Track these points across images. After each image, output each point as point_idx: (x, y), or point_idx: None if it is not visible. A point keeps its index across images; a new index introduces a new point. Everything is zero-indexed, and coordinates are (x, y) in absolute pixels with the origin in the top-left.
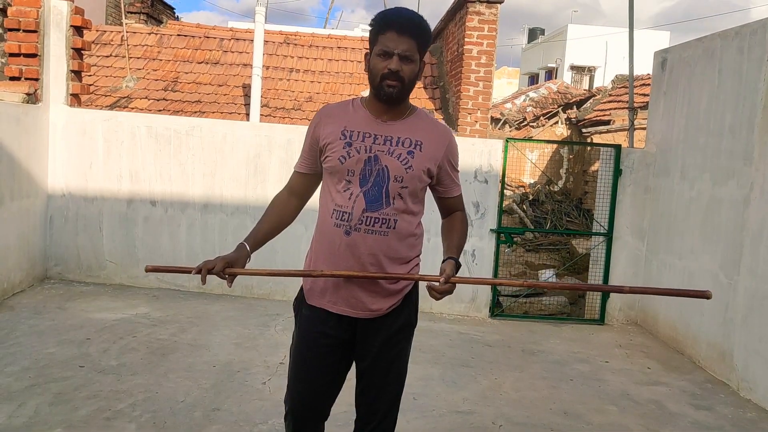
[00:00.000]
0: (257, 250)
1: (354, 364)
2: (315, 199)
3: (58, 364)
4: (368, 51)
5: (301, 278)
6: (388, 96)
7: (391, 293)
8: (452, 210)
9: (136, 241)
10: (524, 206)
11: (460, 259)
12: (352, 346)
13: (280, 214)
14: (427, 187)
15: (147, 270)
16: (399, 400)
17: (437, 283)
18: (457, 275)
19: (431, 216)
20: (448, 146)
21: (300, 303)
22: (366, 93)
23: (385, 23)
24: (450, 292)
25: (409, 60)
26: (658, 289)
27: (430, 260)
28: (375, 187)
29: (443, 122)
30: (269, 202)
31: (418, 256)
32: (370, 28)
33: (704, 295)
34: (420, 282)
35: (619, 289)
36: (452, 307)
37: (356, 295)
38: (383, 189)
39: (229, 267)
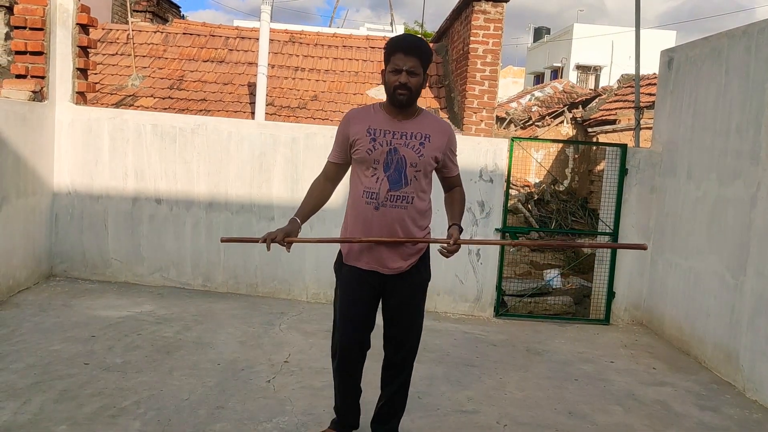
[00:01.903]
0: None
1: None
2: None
3: (63, 362)
4: (383, 69)
5: (339, 246)
6: (400, 102)
7: (410, 254)
8: (453, 186)
9: (141, 240)
10: (529, 206)
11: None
12: (379, 296)
13: (320, 194)
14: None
15: (222, 241)
16: (421, 330)
17: (446, 245)
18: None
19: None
20: (449, 138)
21: (340, 264)
22: (371, 91)
23: (395, 47)
24: (457, 251)
25: (414, 74)
26: (602, 243)
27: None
28: (396, 171)
29: (445, 119)
30: (274, 200)
31: (429, 224)
32: (384, 52)
33: (641, 246)
34: (432, 244)
35: (581, 245)
36: (457, 306)
37: (384, 256)
38: (402, 173)
39: (287, 237)
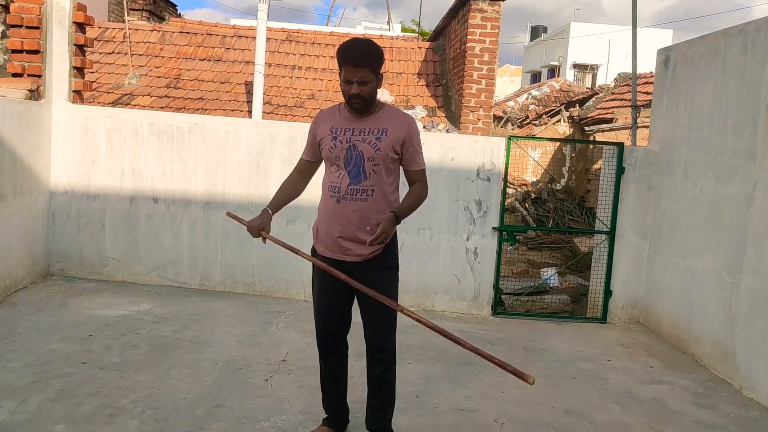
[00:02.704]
0: (262, 242)
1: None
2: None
3: (60, 361)
4: (340, 72)
5: (312, 236)
6: (356, 110)
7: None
8: (413, 181)
9: (139, 239)
10: (527, 204)
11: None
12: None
13: (293, 187)
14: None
15: (228, 215)
16: (394, 324)
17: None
18: (390, 227)
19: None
20: (408, 130)
21: (313, 252)
22: None
23: (343, 59)
24: (379, 238)
25: (365, 83)
26: (483, 354)
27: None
28: (355, 166)
29: (407, 113)
30: (271, 199)
31: None
32: (336, 59)
33: (524, 378)
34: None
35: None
36: (454, 305)
37: (346, 245)
38: (361, 168)
39: (262, 230)
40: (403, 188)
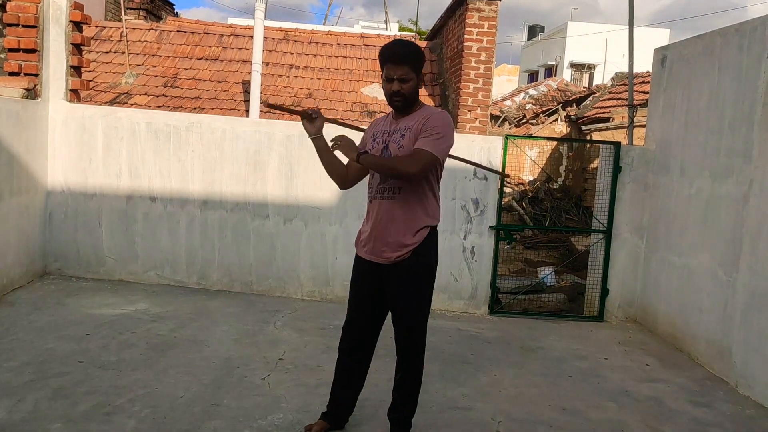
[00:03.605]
0: (261, 240)
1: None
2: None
3: (57, 360)
4: (382, 74)
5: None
6: (396, 108)
7: (399, 247)
8: None
9: (136, 237)
10: (524, 203)
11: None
12: (381, 284)
13: (343, 165)
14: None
15: (267, 105)
16: (419, 323)
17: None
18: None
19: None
20: (426, 119)
21: (355, 255)
22: (365, 89)
23: (385, 57)
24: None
25: (405, 80)
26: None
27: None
28: None
29: (439, 109)
30: (269, 198)
31: (429, 219)
32: (378, 60)
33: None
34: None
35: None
36: (451, 304)
37: (377, 247)
38: None
39: (316, 115)
40: (443, 188)
